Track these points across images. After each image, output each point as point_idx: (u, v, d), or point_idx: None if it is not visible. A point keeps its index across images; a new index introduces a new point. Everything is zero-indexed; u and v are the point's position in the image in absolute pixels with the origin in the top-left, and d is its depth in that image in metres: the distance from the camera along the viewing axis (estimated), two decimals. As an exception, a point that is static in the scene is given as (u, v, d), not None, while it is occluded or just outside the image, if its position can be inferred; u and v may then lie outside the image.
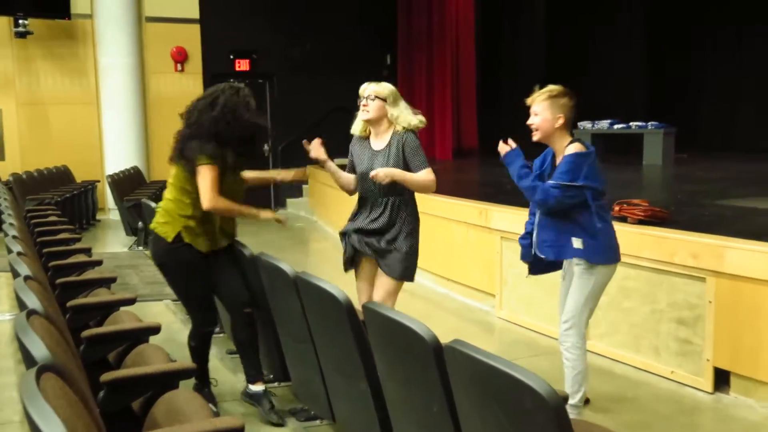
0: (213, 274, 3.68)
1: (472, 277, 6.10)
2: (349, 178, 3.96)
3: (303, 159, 13.02)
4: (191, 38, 11.62)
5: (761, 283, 3.76)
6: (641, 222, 4.56)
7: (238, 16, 11.81)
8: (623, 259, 4.46)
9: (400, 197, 3.77)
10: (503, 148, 3.50)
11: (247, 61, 12.05)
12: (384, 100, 3.82)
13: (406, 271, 3.78)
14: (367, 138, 3.91)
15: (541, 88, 3.47)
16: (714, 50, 13.23)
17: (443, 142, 12.27)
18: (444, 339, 4.04)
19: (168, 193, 3.67)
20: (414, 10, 12.55)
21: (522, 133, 3.80)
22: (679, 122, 11.02)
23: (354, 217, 3.92)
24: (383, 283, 3.79)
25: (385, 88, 3.87)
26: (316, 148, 3.83)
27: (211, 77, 11.76)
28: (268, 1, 12.00)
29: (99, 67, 11.20)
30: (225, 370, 4.46)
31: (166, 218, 3.61)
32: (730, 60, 12.91)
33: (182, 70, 11.61)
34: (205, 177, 3.46)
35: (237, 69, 12.04)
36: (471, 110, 13.20)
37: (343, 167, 4.02)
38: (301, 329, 3.12)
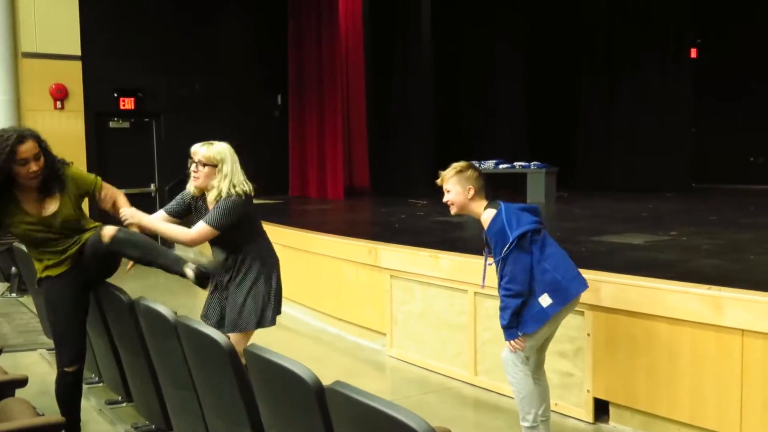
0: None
1: (363, 317, 6.09)
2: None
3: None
4: (72, 75, 11.17)
5: (633, 314, 3.95)
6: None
7: (122, 54, 11.48)
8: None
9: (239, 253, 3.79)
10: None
11: (132, 99, 11.70)
12: (214, 166, 3.75)
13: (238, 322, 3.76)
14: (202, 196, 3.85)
15: (445, 167, 3.66)
16: (590, 97, 14.05)
17: (335, 181, 12.30)
18: (335, 380, 3.97)
19: None
20: (305, 51, 12.63)
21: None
22: (561, 163, 11.56)
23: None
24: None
25: (217, 153, 3.77)
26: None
27: (94, 115, 11.37)
28: (154, 39, 11.75)
29: (-30, 104, 10.58)
30: (104, 423, 4.22)
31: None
32: (605, 106, 13.74)
33: (62, 108, 11.13)
34: None
35: (122, 107, 11.66)
36: (362, 149, 13.33)
37: None
38: (183, 376, 3.00)
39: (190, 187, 3.85)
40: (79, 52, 11.21)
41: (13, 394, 2.74)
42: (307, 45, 12.58)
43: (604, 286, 4.07)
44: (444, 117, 14.05)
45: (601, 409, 4.21)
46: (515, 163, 11.06)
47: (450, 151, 13.10)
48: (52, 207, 3.49)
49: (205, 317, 3.88)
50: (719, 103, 13.32)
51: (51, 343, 5.63)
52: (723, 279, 4.01)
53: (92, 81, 11.30)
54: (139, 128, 11.95)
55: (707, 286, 3.71)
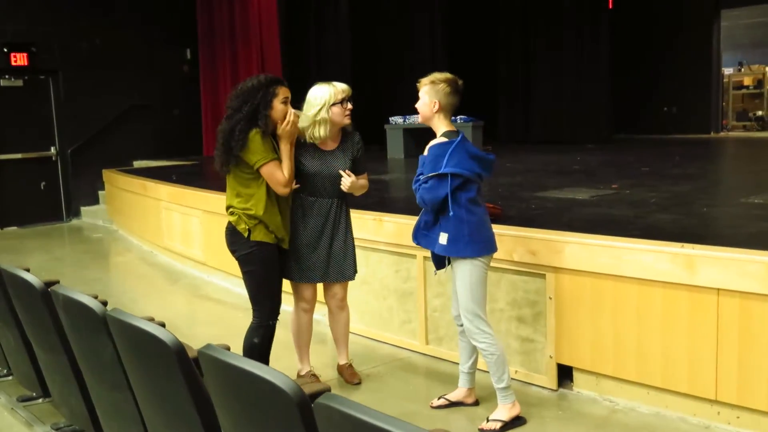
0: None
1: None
2: None
3: (95, 164, 11.71)
4: (-46, 28, 10.09)
5: (599, 276, 3.73)
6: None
7: (12, 4, 10.42)
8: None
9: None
10: None
11: (25, 54, 10.63)
12: None
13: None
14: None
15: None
16: (508, 50, 13.98)
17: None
18: (276, 359, 3.58)
19: None
20: (214, 3, 11.86)
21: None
22: (482, 117, 11.37)
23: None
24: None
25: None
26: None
27: (-19, 72, 10.33)
28: (48, -13, 10.72)
29: None
30: (18, 424, 3.70)
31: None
32: (524, 59, 13.72)
33: (-57, 65, 10.05)
34: None
35: (13, 63, 10.60)
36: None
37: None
38: (116, 376, 2.55)
39: (322, 133, 3.85)
40: (-40, 2, 10.11)
41: None
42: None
43: (568, 247, 3.83)
44: (362, 73, 13.57)
45: (565, 375, 4.01)
46: (441, 117, 10.77)
47: (370, 108, 12.71)
48: None
49: None
50: (636, 53, 13.43)
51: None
52: (688, 236, 3.84)
53: (-23, 35, 10.24)
54: (35, 86, 10.91)
55: (680, 245, 3.51)
